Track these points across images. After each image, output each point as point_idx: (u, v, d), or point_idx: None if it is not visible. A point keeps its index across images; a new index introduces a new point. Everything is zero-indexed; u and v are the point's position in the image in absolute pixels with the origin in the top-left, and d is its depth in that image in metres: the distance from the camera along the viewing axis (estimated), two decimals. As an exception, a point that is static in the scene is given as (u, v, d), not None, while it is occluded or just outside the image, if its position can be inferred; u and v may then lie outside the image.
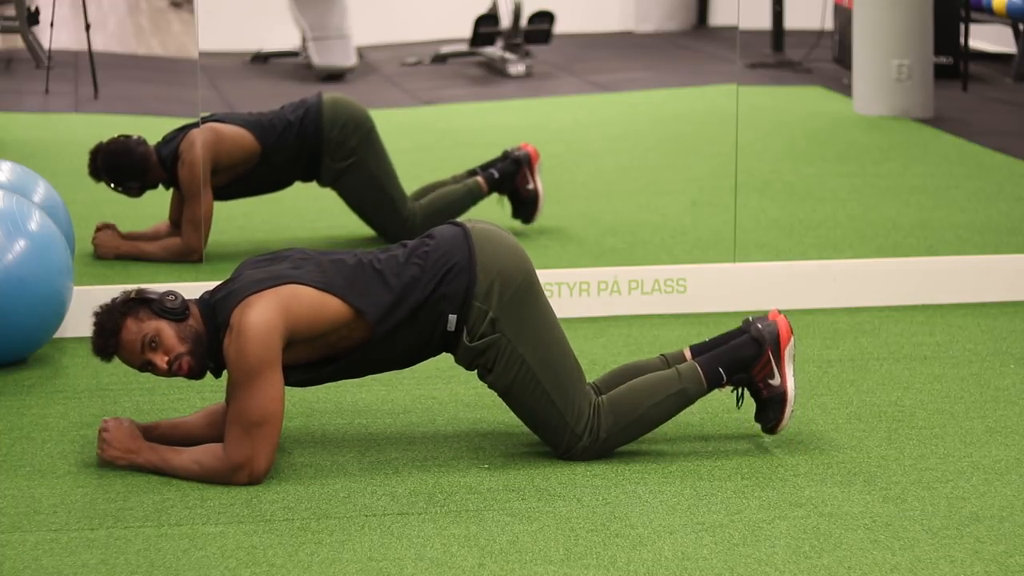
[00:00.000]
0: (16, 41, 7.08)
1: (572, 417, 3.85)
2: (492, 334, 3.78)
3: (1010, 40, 8.94)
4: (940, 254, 5.81)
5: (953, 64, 8.77)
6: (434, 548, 3.41)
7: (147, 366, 3.74)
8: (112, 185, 5.80)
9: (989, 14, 8.72)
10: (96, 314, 3.76)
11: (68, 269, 4.79)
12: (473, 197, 6.11)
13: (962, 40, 8.67)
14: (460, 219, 3.96)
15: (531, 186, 6.15)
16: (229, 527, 3.52)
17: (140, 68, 7.83)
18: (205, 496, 3.68)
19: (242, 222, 6.17)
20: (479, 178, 6.12)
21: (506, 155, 6.18)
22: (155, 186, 5.85)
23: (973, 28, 8.73)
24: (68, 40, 6.96)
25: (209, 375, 3.83)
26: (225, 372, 3.79)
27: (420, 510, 3.62)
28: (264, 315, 3.65)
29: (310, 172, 5.92)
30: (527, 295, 3.82)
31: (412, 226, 5.90)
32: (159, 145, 5.80)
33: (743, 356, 3.95)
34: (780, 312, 4.02)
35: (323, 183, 5.95)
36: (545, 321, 3.85)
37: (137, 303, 3.74)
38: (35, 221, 4.70)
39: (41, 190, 5.14)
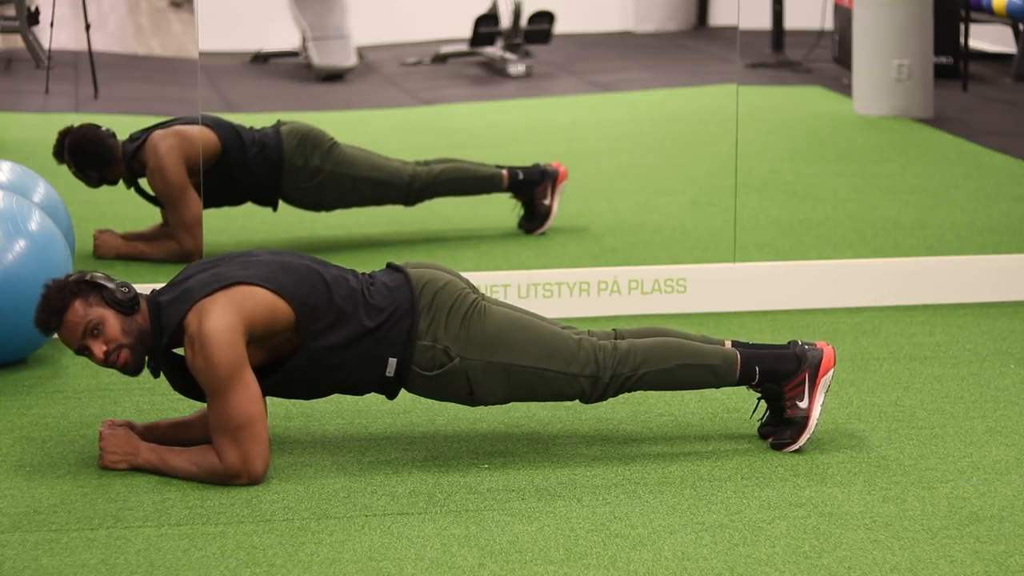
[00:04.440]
0: (16, 41, 7.06)
1: (577, 367, 3.85)
2: (450, 362, 3.78)
3: (1010, 40, 8.92)
4: (940, 254, 5.81)
5: (953, 64, 8.75)
6: (434, 548, 3.41)
7: (83, 351, 3.71)
8: (72, 169, 5.75)
9: (989, 14, 8.71)
10: (47, 287, 3.71)
11: (68, 269, 4.79)
12: (489, 184, 6.13)
13: (962, 40, 8.67)
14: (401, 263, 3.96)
15: (548, 201, 6.19)
16: (229, 527, 3.52)
17: (140, 68, 7.81)
18: (205, 496, 3.68)
19: (242, 222, 6.17)
20: (503, 171, 6.14)
21: (536, 165, 6.20)
22: (114, 182, 5.81)
23: (973, 28, 8.71)
24: (68, 40, 6.94)
25: (146, 374, 3.82)
26: (162, 374, 3.80)
27: (420, 510, 3.61)
28: (223, 319, 3.63)
29: (269, 194, 5.87)
30: (469, 313, 3.81)
31: (418, 186, 5.96)
32: (125, 142, 5.78)
33: (780, 369, 3.94)
34: (829, 344, 4.01)
35: (300, 205, 5.91)
36: (501, 319, 3.84)
37: (89, 287, 3.71)
38: (35, 221, 4.70)
39: (41, 190, 5.14)
